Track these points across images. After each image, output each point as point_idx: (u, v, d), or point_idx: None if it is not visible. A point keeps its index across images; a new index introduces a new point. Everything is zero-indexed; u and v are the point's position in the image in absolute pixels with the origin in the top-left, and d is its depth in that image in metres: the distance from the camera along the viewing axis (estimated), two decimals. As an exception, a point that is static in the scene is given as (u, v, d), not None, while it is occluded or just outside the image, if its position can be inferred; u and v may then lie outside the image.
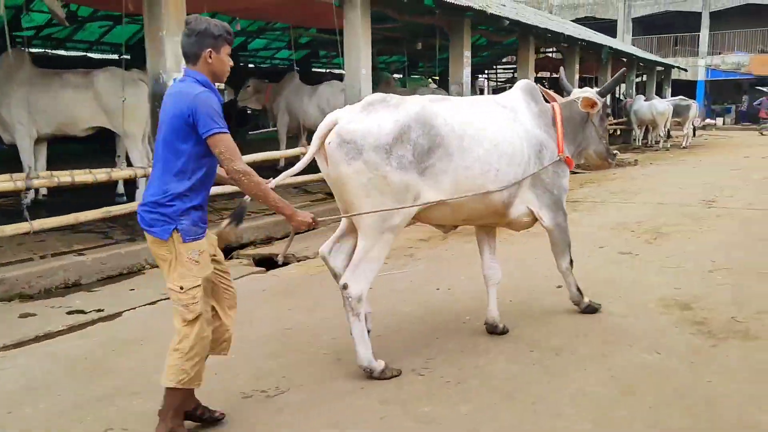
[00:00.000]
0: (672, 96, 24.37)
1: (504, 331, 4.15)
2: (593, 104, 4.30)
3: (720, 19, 32.00)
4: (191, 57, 2.92)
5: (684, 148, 20.23)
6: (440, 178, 3.61)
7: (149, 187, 2.95)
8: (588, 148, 4.55)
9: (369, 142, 3.42)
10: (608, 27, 33.06)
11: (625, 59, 21.26)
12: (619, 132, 21.88)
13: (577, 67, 16.76)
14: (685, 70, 28.42)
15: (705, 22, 32.06)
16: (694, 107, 20.59)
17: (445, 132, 3.62)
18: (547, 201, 4.12)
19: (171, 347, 2.90)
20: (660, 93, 26.49)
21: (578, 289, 4.46)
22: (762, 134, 26.80)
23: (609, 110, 4.30)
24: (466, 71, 11.49)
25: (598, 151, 4.57)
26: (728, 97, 34.75)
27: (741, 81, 33.74)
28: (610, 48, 17.03)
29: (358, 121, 3.49)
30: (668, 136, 20.23)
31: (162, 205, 2.85)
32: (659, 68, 26.37)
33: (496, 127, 3.87)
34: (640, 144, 20.77)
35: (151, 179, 2.96)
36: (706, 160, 15.71)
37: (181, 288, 2.86)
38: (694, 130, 21.44)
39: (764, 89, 35.07)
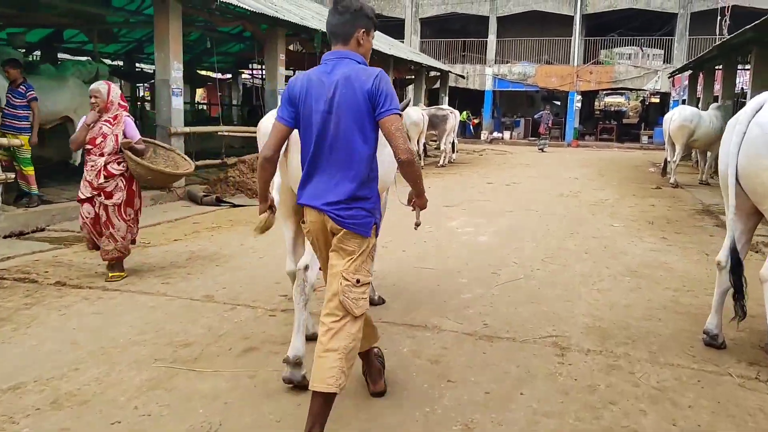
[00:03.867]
0: (452, 106, 21.25)
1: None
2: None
3: (507, 25, 30.01)
4: (341, 36, 2.76)
5: (441, 166, 16.88)
6: None
7: (329, 184, 2.68)
8: None
9: None
10: (396, 27, 29.87)
11: (375, 57, 17.51)
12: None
13: (281, 57, 12.48)
14: (462, 77, 25.70)
15: (492, 27, 29.88)
16: (452, 118, 17.32)
17: None
18: None
19: (322, 348, 2.62)
20: (436, 101, 23.46)
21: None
22: (541, 151, 24.72)
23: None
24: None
25: None
26: (519, 110, 33.11)
27: (532, 93, 32.17)
28: (324, 34, 12.90)
29: None
30: (425, 152, 16.78)
31: (361, 198, 2.69)
32: (434, 73, 23.28)
33: None
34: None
35: (332, 172, 2.68)
36: (439, 185, 12.09)
37: (358, 281, 2.69)
38: (454, 145, 18.21)
39: (557, 102, 34.04)
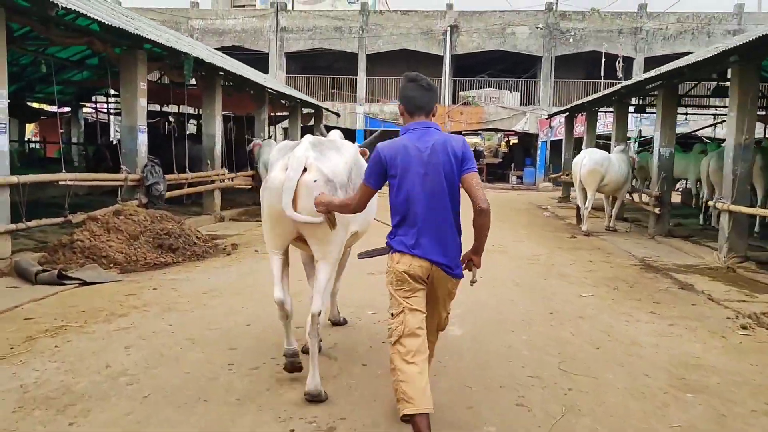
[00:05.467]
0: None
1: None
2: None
3: (376, 63, 29.09)
4: (426, 109, 3.29)
5: (328, 213, 15.02)
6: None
7: (438, 234, 3.16)
8: None
9: (338, 180, 3.71)
10: (259, 61, 27.79)
11: (251, 90, 15.41)
12: (252, 185, 15.91)
13: (142, 86, 10.02)
14: (338, 114, 24.21)
15: (362, 64, 28.80)
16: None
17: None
18: None
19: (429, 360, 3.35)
20: (310, 140, 21.60)
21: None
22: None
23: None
24: None
25: None
26: (389, 150, 32.15)
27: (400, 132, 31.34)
28: (197, 59, 10.66)
29: (327, 161, 3.73)
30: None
31: (460, 250, 3.28)
32: (307, 110, 21.49)
33: None
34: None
35: (435, 225, 3.16)
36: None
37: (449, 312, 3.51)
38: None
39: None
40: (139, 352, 4.55)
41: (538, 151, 28.00)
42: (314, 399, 3.63)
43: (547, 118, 23.82)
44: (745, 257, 8.88)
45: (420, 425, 2.96)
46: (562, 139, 27.49)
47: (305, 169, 3.62)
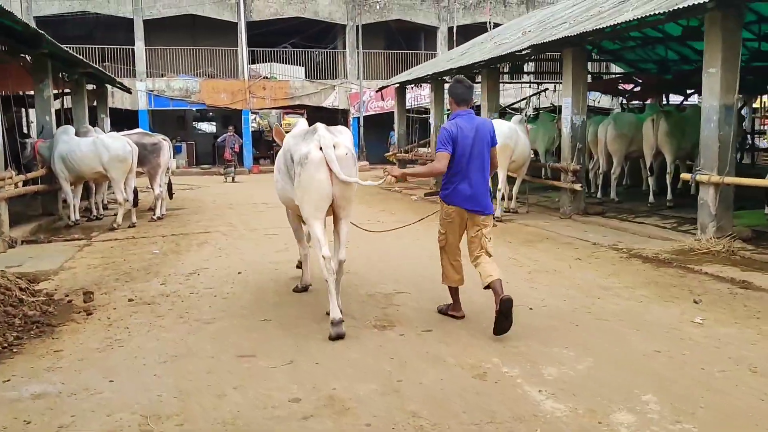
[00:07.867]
0: (113, 130, 15.00)
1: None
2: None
3: (157, 31, 24.52)
4: (467, 101, 4.95)
5: (157, 218, 11.35)
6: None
7: (477, 184, 4.81)
8: None
9: (353, 153, 5.07)
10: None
11: (28, 56, 10.91)
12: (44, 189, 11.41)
13: None
14: (129, 91, 19.60)
15: (139, 33, 24.00)
16: (167, 148, 11.94)
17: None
18: None
19: (486, 261, 4.80)
20: (94, 124, 16.93)
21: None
22: (231, 181, 20.53)
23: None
24: None
25: None
26: (174, 132, 27.66)
27: (182, 113, 27.16)
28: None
29: (344, 139, 5.02)
30: (135, 199, 10.92)
31: (489, 193, 5.08)
32: (91, 86, 16.80)
33: None
34: (75, 219, 10.81)
35: (476, 178, 4.81)
36: (198, 261, 7.12)
37: (490, 239, 4.91)
38: (170, 186, 12.76)
39: (212, 123, 29.80)
40: None
41: (350, 128, 26.07)
42: (339, 323, 4.74)
43: (378, 91, 21.85)
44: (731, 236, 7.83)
45: (452, 292, 5.10)
46: (373, 114, 26.10)
47: (334, 146, 4.86)
